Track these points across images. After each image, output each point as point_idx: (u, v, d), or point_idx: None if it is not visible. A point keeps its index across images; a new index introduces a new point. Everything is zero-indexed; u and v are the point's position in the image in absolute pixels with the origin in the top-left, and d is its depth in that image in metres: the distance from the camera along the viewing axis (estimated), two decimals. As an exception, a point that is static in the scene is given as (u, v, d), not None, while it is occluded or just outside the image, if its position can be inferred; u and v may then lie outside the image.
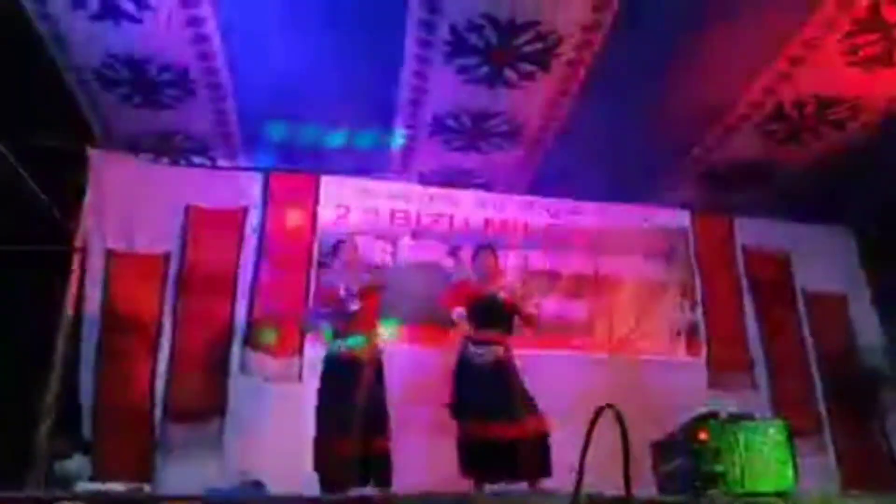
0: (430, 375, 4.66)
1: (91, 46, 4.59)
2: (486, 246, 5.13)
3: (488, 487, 4.25)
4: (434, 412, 4.67)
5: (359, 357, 4.40)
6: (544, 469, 4.19)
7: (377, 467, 4.24)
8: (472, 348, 4.54)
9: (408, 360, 5.33)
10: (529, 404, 4.36)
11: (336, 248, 4.97)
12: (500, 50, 4.67)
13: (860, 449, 6.04)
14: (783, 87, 5.02)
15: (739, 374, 6.17)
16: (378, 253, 6.02)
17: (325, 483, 4.21)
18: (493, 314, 4.67)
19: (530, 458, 4.18)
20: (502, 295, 4.74)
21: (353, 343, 4.47)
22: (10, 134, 4.75)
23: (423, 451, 4.65)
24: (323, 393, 4.44)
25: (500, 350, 4.52)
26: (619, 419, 2.07)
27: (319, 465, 4.27)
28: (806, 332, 6.48)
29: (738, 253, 6.65)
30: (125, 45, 4.60)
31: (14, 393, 4.62)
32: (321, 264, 5.72)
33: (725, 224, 6.74)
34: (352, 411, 4.14)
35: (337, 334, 4.57)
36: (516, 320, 4.76)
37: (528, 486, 4.17)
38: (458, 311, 4.68)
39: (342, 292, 4.60)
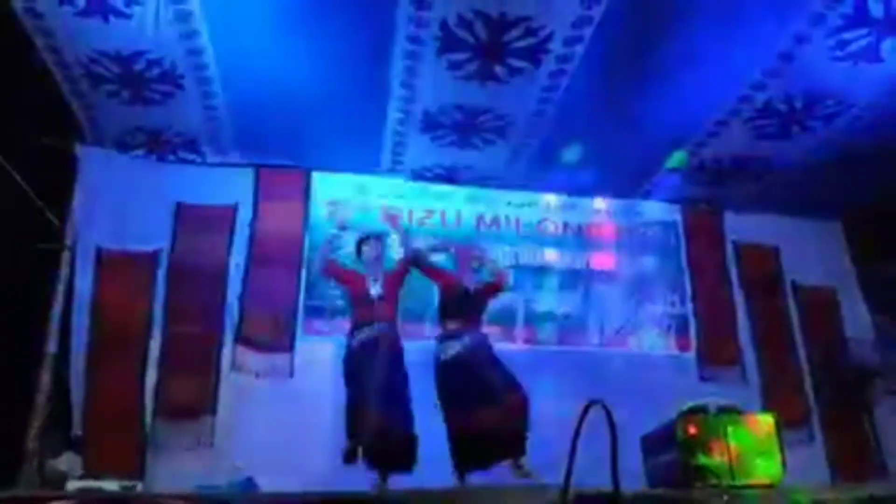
0: (417, 371, 4.67)
1: (79, 43, 4.57)
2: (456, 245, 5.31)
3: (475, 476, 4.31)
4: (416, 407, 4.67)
5: (377, 344, 4.46)
6: (521, 447, 4.30)
7: (401, 454, 4.29)
8: (440, 344, 4.64)
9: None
10: (506, 384, 4.44)
11: (360, 245, 4.97)
12: (490, 46, 4.67)
13: (848, 441, 6.10)
14: (773, 82, 5.04)
15: (729, 367, 6.22)
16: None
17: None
18: (459, 305, 4.76)
19: (510, 437, 4.30)
20: (472, 286, 4.83)
21: (375, 330, 4.53)
22: (-2, 132, 4.73)
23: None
24: (348, 380, 4.52)
25: (465, 340, 4.59)
26: (608, 414, 2.09)
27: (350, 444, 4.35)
28: (795, 325, 6.53)
29: (729, 247, 6.69)
30: (113, 41, 4.57)
31: (5, 391, 4.60)
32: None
33: (716, 219, 6.77)
34: (370, 396, 4.25)
35: (357, 322, 4.64)
36: (489, 302, 4.91)
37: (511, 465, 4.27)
38: None
39: (368, 280, 4.70)
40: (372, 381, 4.30)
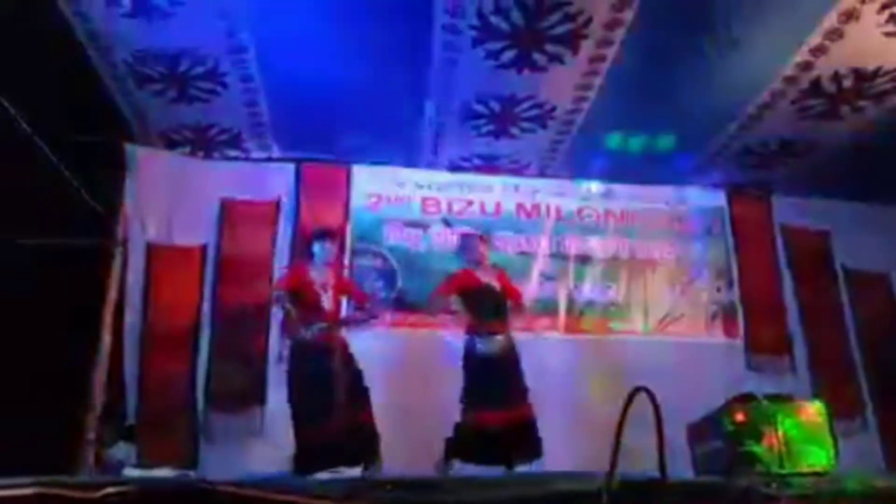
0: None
1: (125, 43, 4.68)
2: (473, 234, 5.28)
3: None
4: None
5: (328, 342, 4.55)
6: (536, 451, 4.44)
7: (364, 441, 4.37)
8: (476, 339, 4.65)
9: (435, 346, 5.43)
10: (523, 393, 4.57)
11: (320, 237, 4.97)
12: (528, 33, 4.63)
13: (903, 430, 5.92)
14: (820, 60, 4.89)
15: (778, 355, 6.08)
16: (409, 240, 6.07)
17: (307, 464, 4.28)
18: (492, 304, 4.79)
19: (521, 442, 4.41)
20: (496, 284, 4.86)
21: (321, 329, 4.60)
22: (50, 132, 4.87)
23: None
24: (298, 377, 4.59)
25: (503, 339, 4.66)
26: (653, 400, 2.07)
27: (303, 447, 4.39)
28: (847, 311, 6.36)
29: (776, 232, 6.54)
30: (158, 41, 4.68)
31: (64, 383, 4.76)
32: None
33: (762, 203, 6.62)
34: (331, 393, 4.34)
35: (305, 321, 4.65)
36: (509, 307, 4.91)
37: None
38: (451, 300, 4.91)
39: (317, 287, 4.74)
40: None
